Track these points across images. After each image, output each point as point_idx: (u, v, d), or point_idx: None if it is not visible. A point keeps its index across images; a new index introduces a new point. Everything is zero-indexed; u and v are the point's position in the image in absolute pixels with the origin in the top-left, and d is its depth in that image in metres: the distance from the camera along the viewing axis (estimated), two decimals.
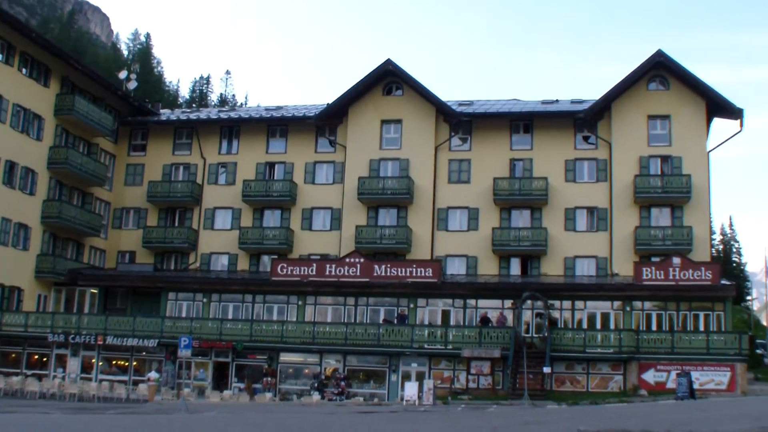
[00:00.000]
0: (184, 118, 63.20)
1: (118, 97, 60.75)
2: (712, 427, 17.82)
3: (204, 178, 59.54)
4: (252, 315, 52.67)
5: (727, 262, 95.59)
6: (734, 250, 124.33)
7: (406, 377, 47.53)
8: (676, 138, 53.61)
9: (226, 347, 49.48)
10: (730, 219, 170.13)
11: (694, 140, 53.43)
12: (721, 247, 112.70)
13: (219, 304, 53.69)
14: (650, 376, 45.40)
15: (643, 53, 50.83)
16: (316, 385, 47.78)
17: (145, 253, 59.13)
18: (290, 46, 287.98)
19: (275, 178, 58.69)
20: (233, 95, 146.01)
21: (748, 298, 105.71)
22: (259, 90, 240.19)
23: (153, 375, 46.91)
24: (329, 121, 57.93)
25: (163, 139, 61.31)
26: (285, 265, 52.25)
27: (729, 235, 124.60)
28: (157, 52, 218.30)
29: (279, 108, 64.35)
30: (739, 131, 52.62)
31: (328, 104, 58.43)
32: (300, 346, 49.35)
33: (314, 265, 52.04)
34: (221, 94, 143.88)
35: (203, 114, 66.57)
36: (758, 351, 58.36)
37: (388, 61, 56.70)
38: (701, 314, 48.13)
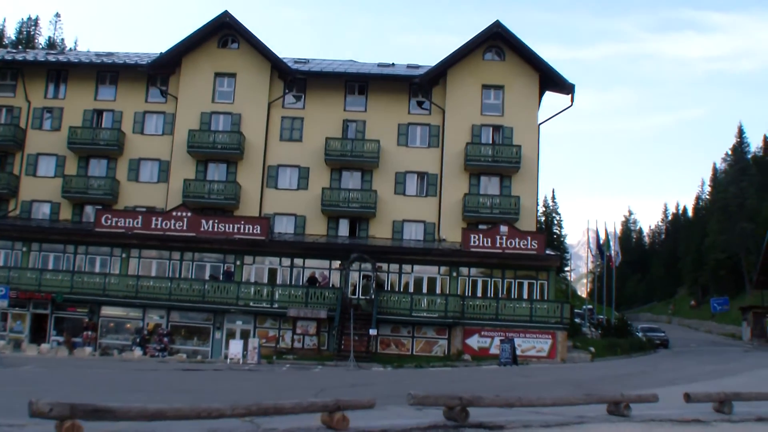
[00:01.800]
0: (9, 58, 60.36)
1: None
2: (537, 393, 18.12)
3: (28, 122, 57.12)
4: (74, 266, 51.10)
5: (548, 234, 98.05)
6: (555, 222, 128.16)
7: (231, 335, 47.24)
8: (509, 109, 54.39)
9: (45, 299, 48.12)
10: (553, 192, 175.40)
11: (525, 112, 54.35)
12: (543, 218, 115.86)
13: (39, 254, 51.92)
14: (474, 342, 46.31)
15: (479, 27, 51.61)
16: (138, 340, 47.00)
17: None
18: None
19: (103, 126, 56.77)
20: (62, 39, 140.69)
21: (567, 269, 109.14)
22: (90, 36, 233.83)
23: None
24: (162, 70, 56.45)
25: None
26: (110, 216, 50.87)
27: (551, 208, 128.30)
28: None
29: (110, 54, 62.27)
30: (570, 106, 54.05)
31: (161, 53, 56.92)
32: (122, 300, 48.49)
33: (140, 217, 50.86)
34: (50, 37, 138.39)
35: (30, 55, 63.83)
36: (576, 320, 60.08)
37: (226, 13, 55.54)
38: (525, 282, 49.28)
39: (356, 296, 49.34)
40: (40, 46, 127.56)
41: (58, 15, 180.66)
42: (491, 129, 54.43)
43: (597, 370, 37.37)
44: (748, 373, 33.74)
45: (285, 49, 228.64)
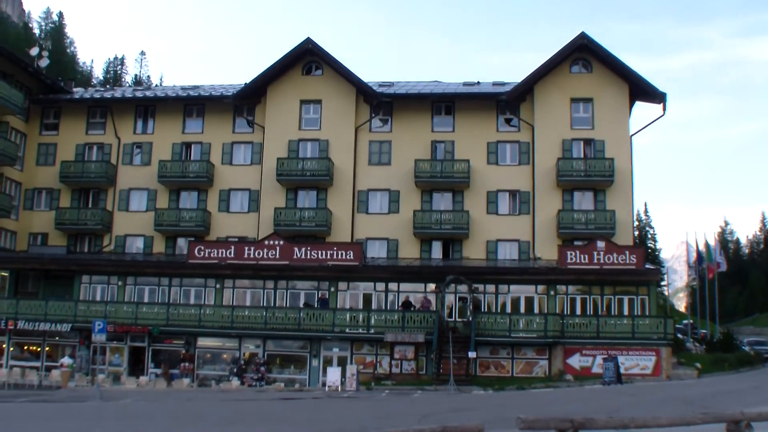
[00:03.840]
0: (98, 96, 61.26)
1: (29, 74, 58.64)
2: (645, 413, 17.49)
3: (119, 158, 57.77)
4: (168, 299, 51.20)
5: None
6: (649, 236, 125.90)
7: (328, 362, 46.79)
8: (599, 121, 53.45)
9: (142, 332, 48.29)
10: (645, 205, 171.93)
11: (616, 124, 53.34)
12: (636, 233, 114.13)
13: (134, 287, 52.14)
14: (575, 361, 45.27)
15: (561, 42, 50.82)
16: (235, 370, 46.82)
17: (57, 235, 57.19)
18: (207, 27, 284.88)
19: (192, 158, 57.22)
20: (148, 76, 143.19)
21: (663, 283, 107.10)
22: (175, 72, 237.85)
23: (66, 361, 45.46)
24: (247, 100, 56.69)
25: (76, 118, 59.23)
26: (202, 248, 51.00)
27: (644, 221, 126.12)
28: (69, 31, 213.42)
29: (196, 87, 62.83)
30: (662, 115, 53.04)
31: (245, 84, 57.16)
32: (218, 331, 48.37)
33: (232, 247, 50.90)
34: (136, 75, 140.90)
35: (118, 93, 64.68)
36: (678, 336, 58.63)
37: (308, 40, 55.62)
38: (626, 298, 48.00)
39: (453, 319, 48.60)
40: (127, 84, 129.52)
41: (143, 53, 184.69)
42: (582, 143, 53.51)
43: (706, 386, 36.15)
44: None
45: (368, 73, 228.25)
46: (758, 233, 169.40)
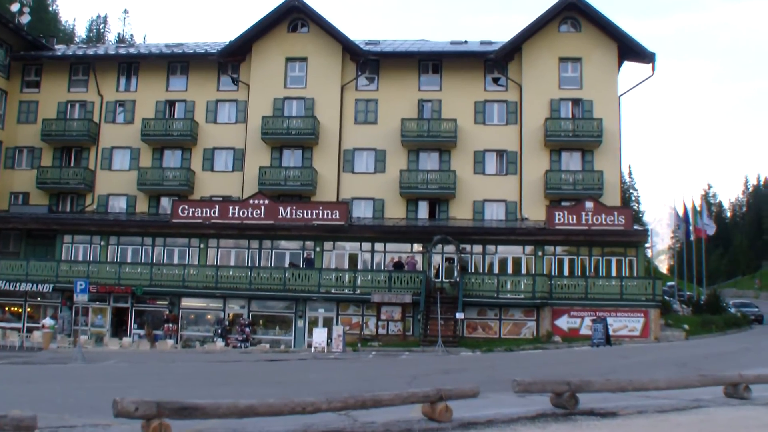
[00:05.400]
0: (81, 53, 60.21)
1: (9, 30, 57.57)
2: (640, 375, 17.23)
3: (101, 116, 57.00)
4: (152, 259, 50.71)
5: None
6: (633, 198, 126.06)
7: (313, 323, 46.48)
8: (587, 81, 52.96)
9: (125, 292, 47.86)
10: (630, 168, 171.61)
11: (605, 84, 52.86)
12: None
13: (117, 247, 51.61)
14: (563, 322, 45.04)
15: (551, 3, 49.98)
16: (219, 331, 46.48)
17: (39, 194, 56.50)
18: None
19: (176, 116, 56.51)
20: (131, 35, 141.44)
21: (647, 246, 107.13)
22: (159, 31, 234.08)
23: (48, 322, 44.90)
24: (232, 58, 55.91)
25: (58, 75, 58.35)
26: (186, 207, 50.45)
27: (628, 184, 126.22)
28: None
29: (180, 45, 61.97)
30: (651, 75, 52.71)
31: (230, 41, 56.39)
32: (202, 291, 47.99)
33: (217, 206, 50.35)
34: (119, 33, 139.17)
35: (100, 50, 63.62)
36: (665, 298, 58.59)
37: None
38: (614, 260, 47.78)
39: (440, 279, 48.29)
40: (110, 43, 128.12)
41: (126, 11, 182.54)
42: (570, 103, 53.05)
43: (695, 348, 35.95)
44: None
45: (355, 32, 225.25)
46: (741, 197, 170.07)
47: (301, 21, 55.88)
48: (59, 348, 43.10)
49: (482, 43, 58.32)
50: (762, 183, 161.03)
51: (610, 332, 41.36)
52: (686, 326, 47.37)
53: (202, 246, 50.66)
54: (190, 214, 50.00)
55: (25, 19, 62.13)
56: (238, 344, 45.06)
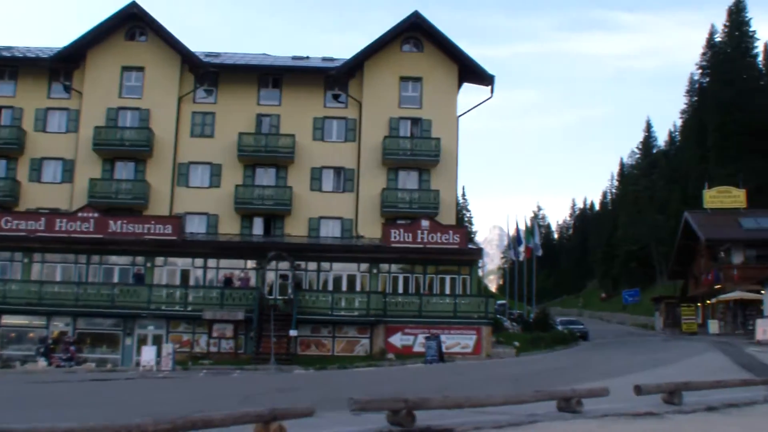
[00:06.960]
0: None
1: None
2: (475, 391, 17.28)
3: None
4: None
5: None
6: (465, 219, 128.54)
7: (143, 341, 45.12)
8: (427, 101, 53.47)
9: None
10: (463, 189, 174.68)
11: (444, 104, 53.52)
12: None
13: None
14: (397, 340, 45.06)
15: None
16: (42, 350, 44.46)
17: None
18: None
19: (2, 124, 54.19)
20: None
21: (479, 265, 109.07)
22: None
23: None
24: (65, 64, 54.12)
25: None
26: (10, 219, 48.31)
27: (461, 205, 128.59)
28: None
29: (9, 48, 59.55)
30: (490, 97, 53.68)
31: (63, 47, 54.57)
32: (24, 308, 45.83)
33: (43, 219, 48.40)
34: None
35: None
36: (496, 315, 59.60)
37: (134, 4, 53.46)
38: (447, 278, 48.21)
39: (274, 296, 47.70)
40: None
41: None
42: (409, 122, 53.41)
43: (527, 364, 36.42)
44: (681, 363, 33.26)
45: (198, 44, 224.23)
46: (568, 219, 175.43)
47: (139, 29, 54.60)
48: None
49: (324, 59, 58.26)
50: (588, 207, 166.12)
51: (444, 349, 41.63)
52: (517, 343, 48.14)
53: (26, 260, 48.59)
54: (14, 227, 47.88)
55: None
56: (63, 364, 43.23)
